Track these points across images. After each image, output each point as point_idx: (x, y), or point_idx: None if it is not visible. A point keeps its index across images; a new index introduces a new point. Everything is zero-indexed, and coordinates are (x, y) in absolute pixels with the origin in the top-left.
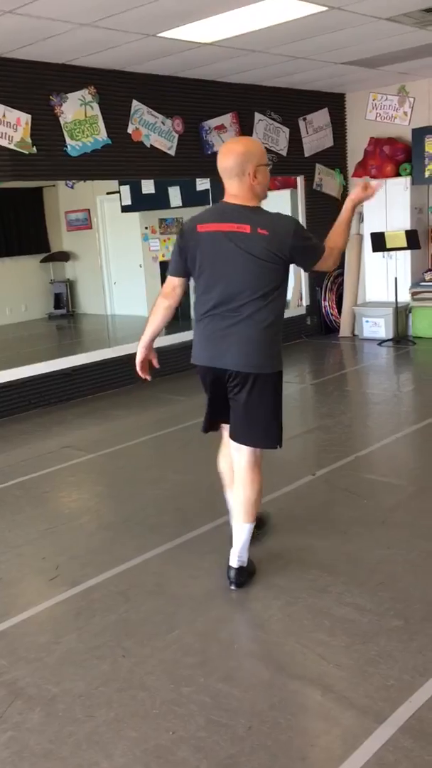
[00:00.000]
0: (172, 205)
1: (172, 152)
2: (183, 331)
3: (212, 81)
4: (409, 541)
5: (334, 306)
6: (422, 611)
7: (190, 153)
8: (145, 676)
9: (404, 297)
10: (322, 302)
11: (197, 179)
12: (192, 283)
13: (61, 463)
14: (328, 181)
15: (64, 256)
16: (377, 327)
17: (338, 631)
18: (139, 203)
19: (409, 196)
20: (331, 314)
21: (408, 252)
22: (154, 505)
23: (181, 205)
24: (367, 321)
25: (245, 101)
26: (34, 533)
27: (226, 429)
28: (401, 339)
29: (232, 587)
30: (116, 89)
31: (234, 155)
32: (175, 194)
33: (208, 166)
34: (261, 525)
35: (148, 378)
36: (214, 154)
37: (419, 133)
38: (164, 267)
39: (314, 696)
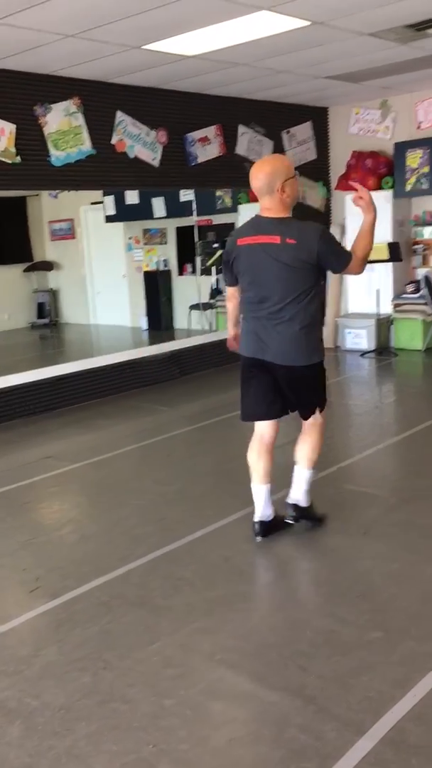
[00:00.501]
0: (155, 216)
1: (156, 163)
2: (167, 341)
3: (196, 93)
4: (391, 552)
5: None
6: (403, 623)
7: (174, 164)
8: (126, 688)
9: (386, 309)
10: None
11: (181, 190)
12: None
13: (44, 473)
14: (311, 193)
15: (48, 266)
16: (359, 338)
17: (319, 642)
18: (123, 213)
19: (391, 209)
20: None
21: (390, 264)
22: (137, 516)
23: (165, 215)
24: (349, 332)
25: (229, 114)
26: (14, 544)
27: (259, 425)
28: (383, 350)
29: (288, 521)
30: (100, 100)
31: (263, 175)
32: (159, 205)
33: (192, 177)
34: (320, 520)
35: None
36: (198, 166)
37: (401, 147)
38: (147, 277)
39: (295, 707)
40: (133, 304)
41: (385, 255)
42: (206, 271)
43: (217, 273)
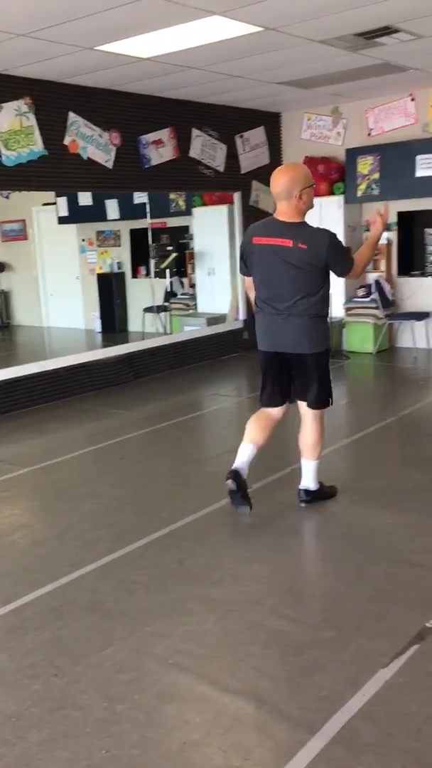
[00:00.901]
0: (109, 218)
1: (109, 165)
2: (121, 344)
3: (150, 95)
4: (342, 552)
5: None
6: (355, 621)
7: (128, 166)
8: (78, 694)
9: (338, 312)
10: None
11: (135, 193)
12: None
13: None
14: (264, 197)
15: None
16: None
17: (272, 643)
18: (76, 215)
19: (342, 214)
20: None
21: None
22: (89, 520)
23: (118, 217)
24: None
25: (183, 117)
26: None
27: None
28: (336, 353)
29: (301, 504)
30: (53, 100)
31: (283, 181)
32: (112, 207)
33: (147, 179)
34: (330, 495)
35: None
36: (152, 168)
37: (352, 154)
38: (101, 279)
39: (248, 709)
40: (87, 307)
41: None
42: (160, 274)
43: (171, 276)
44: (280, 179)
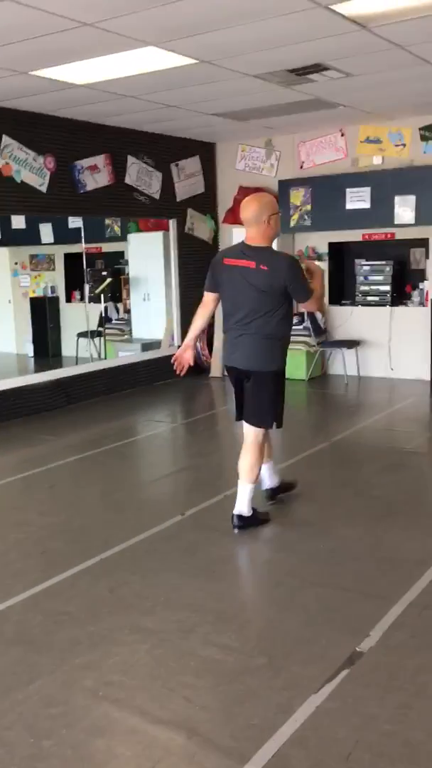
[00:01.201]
0: (43, 242)
1: (43, 189)
2: (54, 369)
3: (86, 122)
4: (274, 578)
5: (205, 346)
6: (286, 648)
7: (63, 191)
8: (3, 731)
9: None
10: None
11: (70, 217)
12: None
13: None
14: (199, 225)
15: None
16: None
17: (204, 672)
18: (9, 238)
19: (276, 244)
20: (202, 354)
21: None
22: (17, 550)
23: (53, 241)
24: None
25: (119, 144)
26: None
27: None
28: None
29: (235, 530)
30: None
31: (253, 208)
32: (46, 231)
33: (81, 204)
34: (290, 488)
35: (181, 374)
36: (87, 194)
37: (285, 186)
38: (34, 303)
39: (179, 740)
40: (19, 331)
41: None
42: (95, 299)
43: (106, 301)
44: (250, 206)
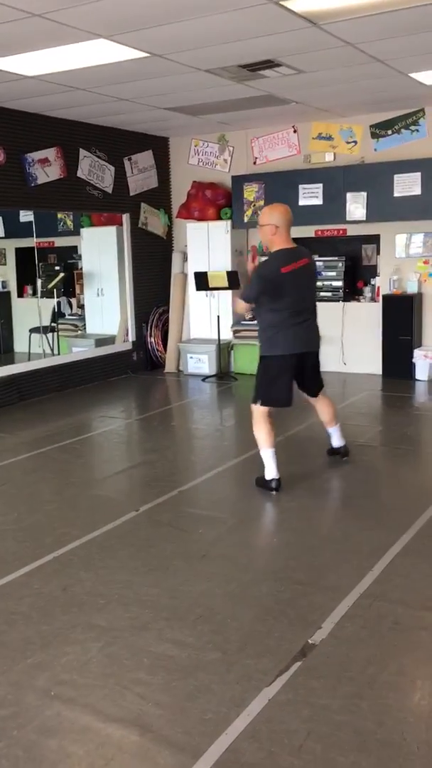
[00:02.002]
0: None
1: None
2: (5, 365)
3: (36, 114)
4: (228, 573)
5: (160, 342)
6: (239, 642)
7: (13, 184)
8: None
9: (226, 335)
10: (148, 338)
11: (21, 211)
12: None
13: None
14: (153, 220)
15: None
16: (201, 363)
17: (158, 668)
18: None
19: (229, 238)
20: (157, 350)
21: (229, 291)
22: None
23: (3, 236)
24: (191, 357)
25: (70, 137)
26: None
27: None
28: (224, 375)
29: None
30: None
31: (289, 216)
32: None
33: (32, 198)
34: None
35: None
36: (38, 187)
37: (238, 181)
38: None
39: (132, 737)
40: None
41: (225, 283)
42: (48, 294)
43: (59, 296)
44: (287, 214)
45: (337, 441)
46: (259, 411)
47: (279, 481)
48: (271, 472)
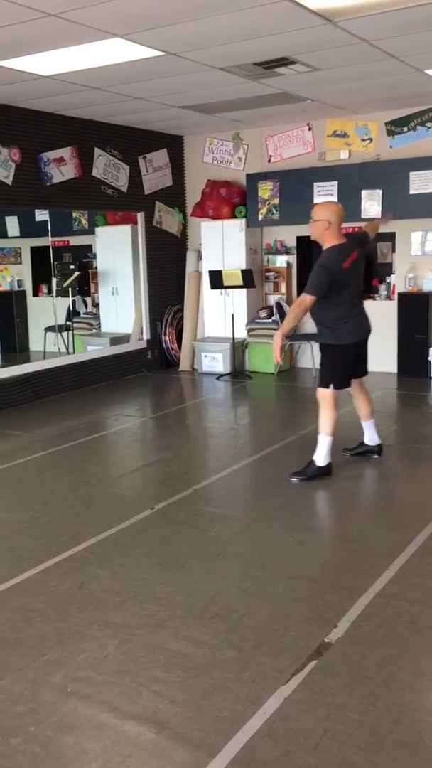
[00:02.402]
0: (9, 235)
1: (8, 181)
2: (21, 363)
3: (52, 113)
4: (244, 571)
5: (174, 340)
6: (254, 640)
7: (29, 183)
8: None
9: (241, 333)
10: (163, 337)
11: (36, 210)
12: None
13: None
14: (167, 218)
15: None
16: (215, 362)
17: (174, 666)
18: None
19: (244, 237)
20: (171, 348)
21: (244, 290)
22: None
23: (19, 235)
24: (205, 356)
25: (85, 136)
26: None
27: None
28: (238, 373)
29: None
30: None
31: (342, 213)
32: (12, 224)
33: (48, 197)
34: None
35: (281, 361)
36: (53, 186)
37: (252, 179)
38: (0, 297)
39: (148, 735)
40: None
41: (239, 281)
42: (63, 293)
43: (74, 295)
44: (339, 212)
45: (371, 437)
46: (331, 395)
47: (330, 466)
48: (327, 459)
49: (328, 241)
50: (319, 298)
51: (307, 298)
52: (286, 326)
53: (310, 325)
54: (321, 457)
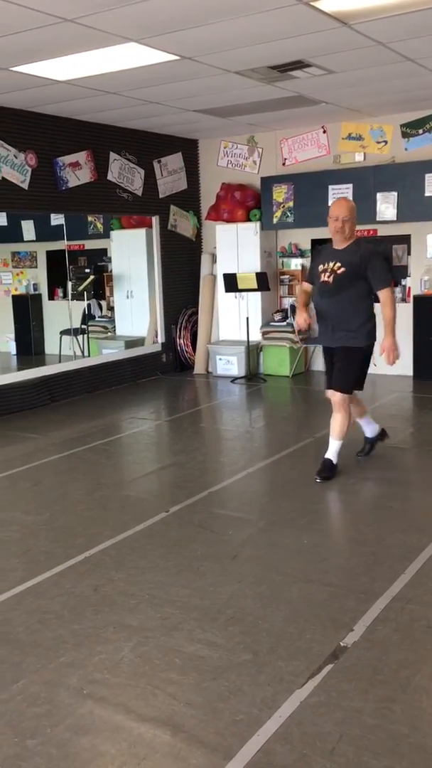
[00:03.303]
0: (25, 239)
1: (25, 186)
2: (37, 366)
3: (68, 118)
4: (259, 574)
5: (189, 343)
6: (270, 644)
7: (45, 188)
8: None
9: (255, 336)
10: (177, 340)
11: (52, 214)
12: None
13: None
14: (182, 222)
15: None
16: (230, 365)
17: (189, 668)
18: None
19: (259, 240)
20: (186, 351)
21: (258, 293)
22: (0, 549)
23: (35, 239)
24: (220, 359)
25: (101, 140)
26: None
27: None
28: (253, 376)
29: (317, 478)
30: None
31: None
32: (28, 228)
33: (63, 201)
34: (383, 437)
35: (306, 328)
36: (69, 190)
37: (267, 182)
38: (17, 300)
39: (164, 737)
40: (1, 328)
41: (254, 284)
42: (78, 296)
43: (89, 298)
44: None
45: (372, 429)
46: (346, 399)
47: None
48: (336, 456)
49: (352, 237)
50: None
51: (388, 293)
52: (394, 326)
53: None
54: (335, 455)
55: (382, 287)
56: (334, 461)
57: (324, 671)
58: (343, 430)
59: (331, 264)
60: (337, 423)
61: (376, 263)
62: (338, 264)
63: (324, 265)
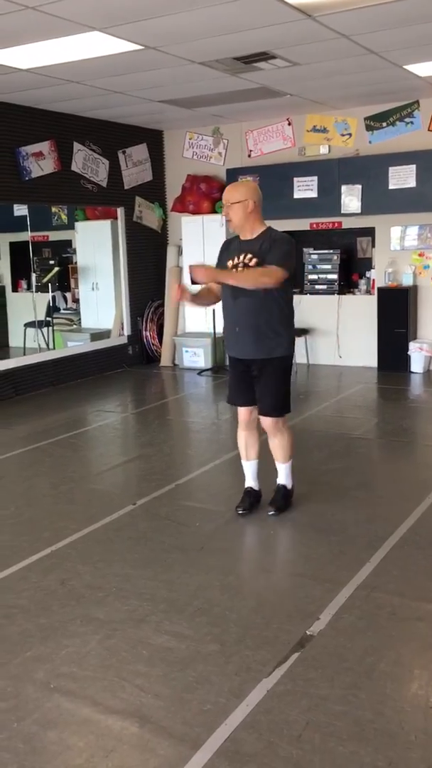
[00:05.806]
0: None
1: None
2: (1, 359)
3: (30, 107)
4: (226, 565)
5: (155, 336)
6: (237, 634)
7: (7, 178)
8: None
9: (221, 327)
10: (144, 332)
11: (15, 205)
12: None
13: None
14: (147, 213)
15: None
16: (197, 357)
17: (157, 660)
18: None
19: (224, 232)
20: (152, 344)
21: None
22: None
23: None
24: (186, 351)
25: (64, 130)
26: None
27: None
28: (219, 368)
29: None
30: None
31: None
32: None
33: (27, 192)
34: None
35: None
36: (32, 180)
37: (233, 174)
38: None
39: (132, 729)
40: None
41: None
42: (43, 288)
43: (54, 290)
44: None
45: (257, 482)
46: (280, 420)
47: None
48: (290, 480)
49: (258, 226)
50: (286, 281)
51: (280, 273)
52: (229, 278)
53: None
54: (289, 479)
55: (276, 264)
56: (289, 486)
57: (291, 660)
58: (286, 451)
59: (242, 257)
60: (276, 446)
61: (283, 246)
62: (249, 255)
63: (234, 260)
